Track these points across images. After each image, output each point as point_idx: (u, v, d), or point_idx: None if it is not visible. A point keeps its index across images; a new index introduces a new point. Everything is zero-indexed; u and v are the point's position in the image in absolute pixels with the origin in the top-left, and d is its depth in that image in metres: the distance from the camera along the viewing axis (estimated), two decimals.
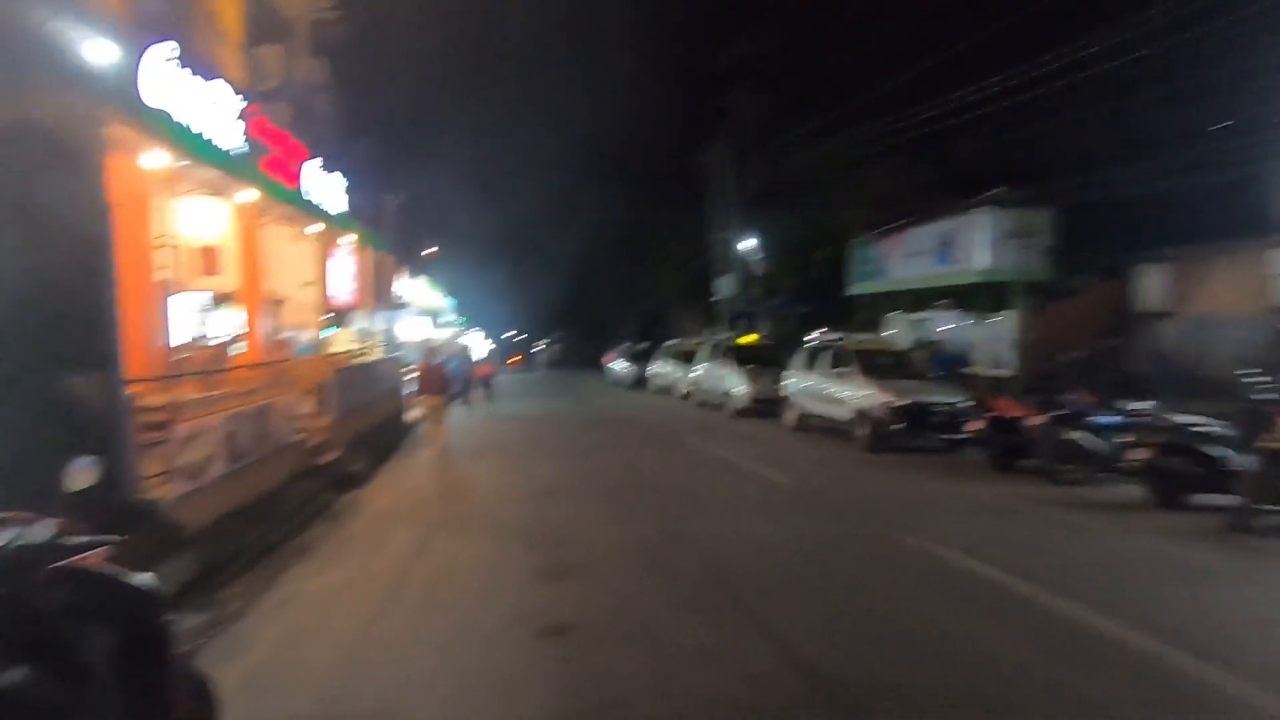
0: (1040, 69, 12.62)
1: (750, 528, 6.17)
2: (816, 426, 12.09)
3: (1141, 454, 6.85)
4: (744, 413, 14.44)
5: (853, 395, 10.78)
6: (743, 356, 15.76)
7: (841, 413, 11.11)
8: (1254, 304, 10.61)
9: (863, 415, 10.43)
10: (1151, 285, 12.96)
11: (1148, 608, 4.14)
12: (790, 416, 12.94)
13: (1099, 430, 7.84)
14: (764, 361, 15.23)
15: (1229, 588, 4.65)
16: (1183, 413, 7.17)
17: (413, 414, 13.21)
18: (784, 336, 19.99)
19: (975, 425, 8.89)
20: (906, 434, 9.92)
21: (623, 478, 8.54)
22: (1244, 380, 6.96)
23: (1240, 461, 6.27)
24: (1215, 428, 6.71)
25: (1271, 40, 10.23)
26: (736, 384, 14.94)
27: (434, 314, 27.64)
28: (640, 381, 22.96)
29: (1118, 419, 7.86)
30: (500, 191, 44.18)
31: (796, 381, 12.78)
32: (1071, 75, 12.44)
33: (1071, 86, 12.85)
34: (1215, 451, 6.47)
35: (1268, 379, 6.78)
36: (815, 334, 13.24)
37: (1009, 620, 4.01)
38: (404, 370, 14.16)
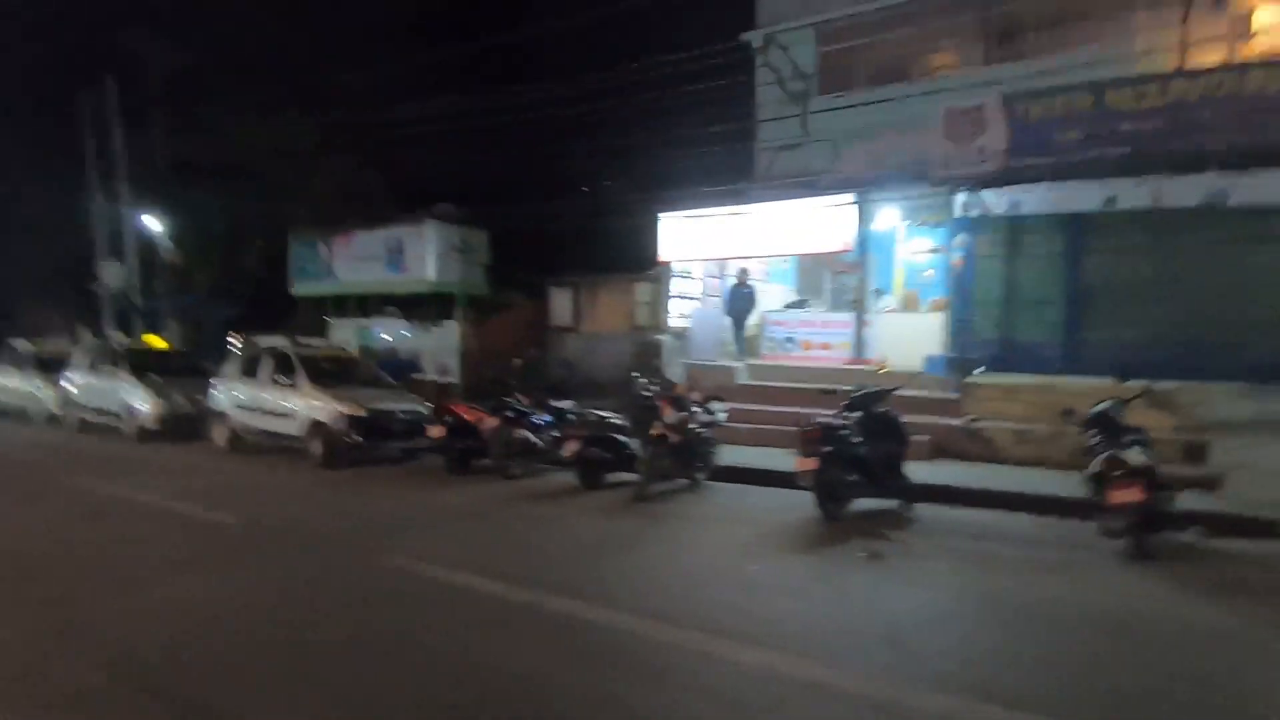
0: (487, 103, 13.99)
1: (187, 590, 4.71)
2: (258, 445, 10.44)
3: (571, 446, 8.02)
4: (150, 435, 11.45)
5: (302, 407, 9.69)
6: (143, 365, 12.50)
7: (290, 427, 9.85)
8: (627, 323, 14.02)
9: (316, 429, 9.47)
10: (560, 304, 15.74)
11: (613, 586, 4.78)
12: (221, 435, 10.84)
13: (538, 429, 8.94)
14: (174, 370, 12.48)
15: (642, 549, 5.77)
16: (596, 409, 8.79)
17: None
18: (199, 341, 16.83)
19: (436, 431, 9.06)
20: (366, 446, 9.44)
21: None
22: (634, 382, 8.95)
23: (637, 447, 8.03)
24: (619, 420, 8.42)
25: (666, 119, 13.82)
26: (139, 399, 11.73)
27: None
28: None
29: (549, 418, 9.12)
30: None
31: (230, 393, 10.79)
32: (516, 115, 14.18)
33: (512, 125, 14.65)
34: (623, 439, 8.10)
35: (649, 381, 8.89)
36: (242, 337, 11.51)
37: (516, 629, 4.03)
38: None
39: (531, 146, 16.60)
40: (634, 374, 9.60)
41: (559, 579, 4.84)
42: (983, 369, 9.47)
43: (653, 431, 7.44)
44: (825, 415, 6.82)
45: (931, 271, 12.27)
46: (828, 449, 6.28)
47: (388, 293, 16.08)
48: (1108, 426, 5.76)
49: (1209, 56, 9.60)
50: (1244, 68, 8.40)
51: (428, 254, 15.15)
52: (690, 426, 7.68)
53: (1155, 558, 5.18)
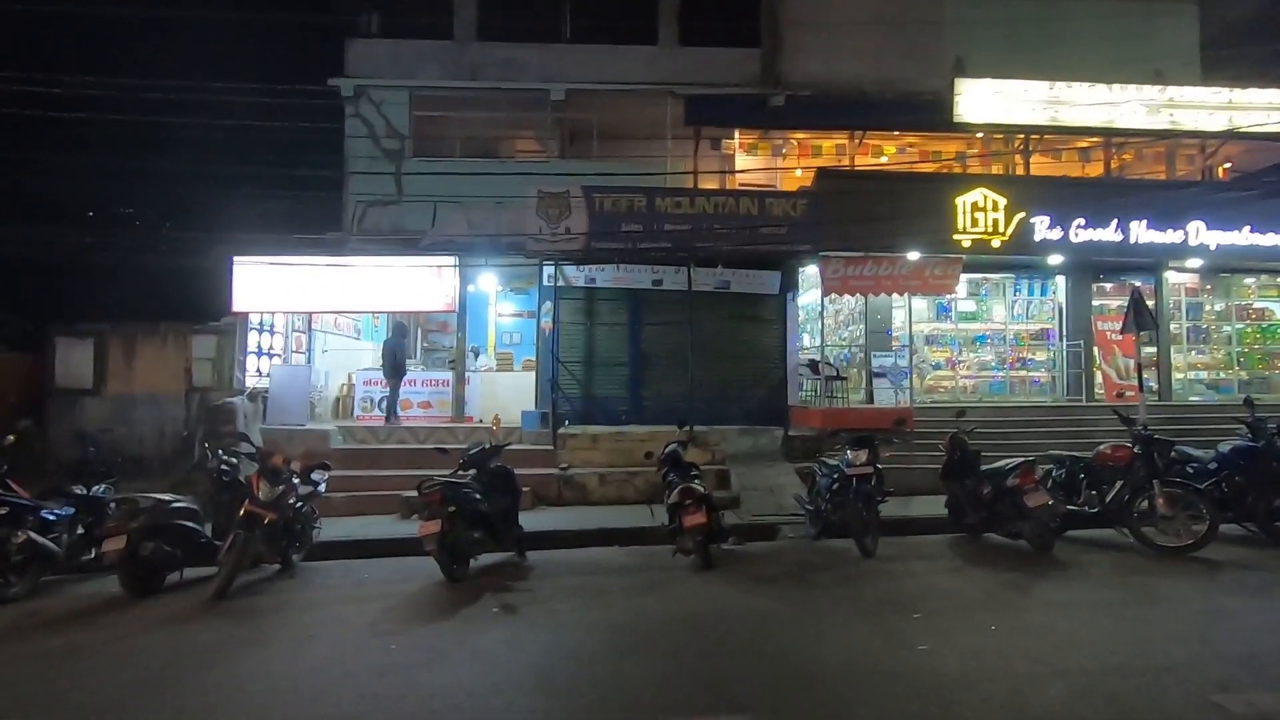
0: None
1: None
2: None
3: (114, 544, 6.21)
4: None
5: None
6: None
7: None
8: (180, 383, 11.54)
9: None
10: (74, 359, 12.12)
11: None
12: None
13: (50, 526, 6.68)
14: None
15: (241, 659, 4.81)
16: (150, 493, 7.02)
17: None
18: None
19: None
20: None
21: None
22: (208, 454, 7.47)
23: (211, 534, 6.66)
24: (185, 503, 6.86)
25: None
26: None
27: None
28: None
29: (70, 509, 6.94)
30: None
31: None
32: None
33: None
34: (193, 526, 6.62)
35: (228, 452, 7.52)
36: None
37: None
38: None
39: (36, 158, 12.70)
40: (205, 444, 7.99)
41: None
42: (569, 422, 10.64)
43: (242, 512, 6.29)
44: (443, 475, 6.78)
45: (519, 334, 13.37)
46: (451, 509, 6.24)
47: None
48: (677, 464, 7.10)
49: (713, 183, 12.93)
50: (736, 194, 11.53)
51: None
52: (289, 502, 6.74)
53: (715, 566, 6.52)
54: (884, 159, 14.23)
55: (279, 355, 11.86)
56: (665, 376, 11.28)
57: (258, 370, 11.56)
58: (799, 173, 13.63)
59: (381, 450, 10.33)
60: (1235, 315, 12.75)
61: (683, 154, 13.07)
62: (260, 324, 11.71)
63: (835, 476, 7.13)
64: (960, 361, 12.55)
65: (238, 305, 11.03)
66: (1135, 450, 6.89)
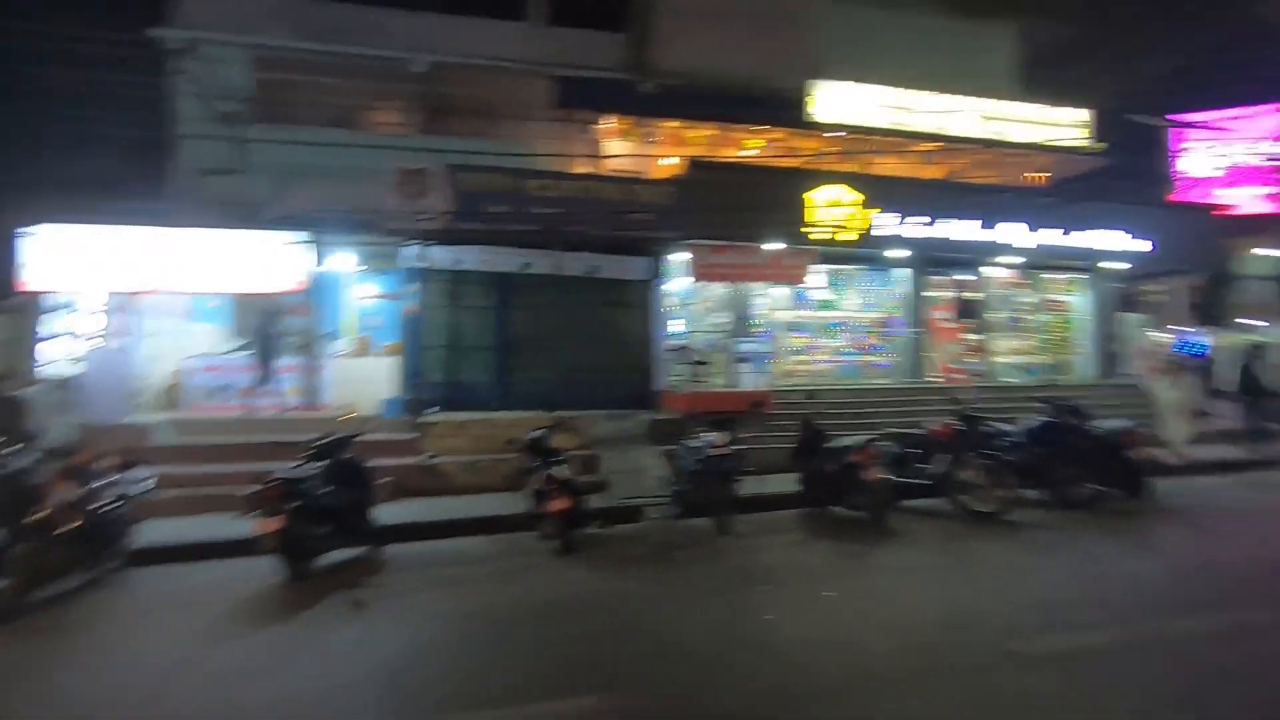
0: None
1: None
2: None
3: None
4: None
5: None
6: None
7: None
8: None
9: None
10: None
11: None
12: None
13: None
14: None
15: (36, 685, 4.25)
16: None
17: None
18: None
19: None
20: None
21: None
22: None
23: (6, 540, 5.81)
24: None
25: None
26: None
27: None
28: None
29: None
30: None
31: None
32: None
33: None
34: None
35: (18, 449, 6.58)
36: None
37: None
38: None
39: None
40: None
41: None
42: (436, 409, 10.26)
43: (30, 519, 5.52)
44: (286, 468, 6.32)
45: (381, 318, 12.68)
46: (294, 504, 5.83)
47: None
48: (540, 450, 7.04)
49: (585, 168, 12.84)
50: (606, 179, 11.52)
51: None
52: (99, 504, 6.00)
53: (578, 551, 6.55)
54: (754, 152, 14.77)
55: (95, 339, 10.50)
56: (534, 362, 11.14)
57: (68, 356, 10.18)
58: (671, 161, 13.85)
59: (221, 444, 9.46)
60: (1045, 307, 14.45)
61: (553, 136, 12.88)
62: (68, 303, 10.31)
63: (695, 458, 7.36)
64: (816, 347, 13.34)
65: (31, 282, 9.61)
66: (958, 427, 7.64)
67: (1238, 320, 16.67)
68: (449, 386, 10.84)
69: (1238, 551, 6.25)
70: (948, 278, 13.55)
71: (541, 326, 11.18)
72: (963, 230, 12.63)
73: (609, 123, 13.70)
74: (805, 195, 11.74)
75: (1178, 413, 10.72)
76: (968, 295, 9.87)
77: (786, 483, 8.54)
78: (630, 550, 6.78)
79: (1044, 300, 14.42)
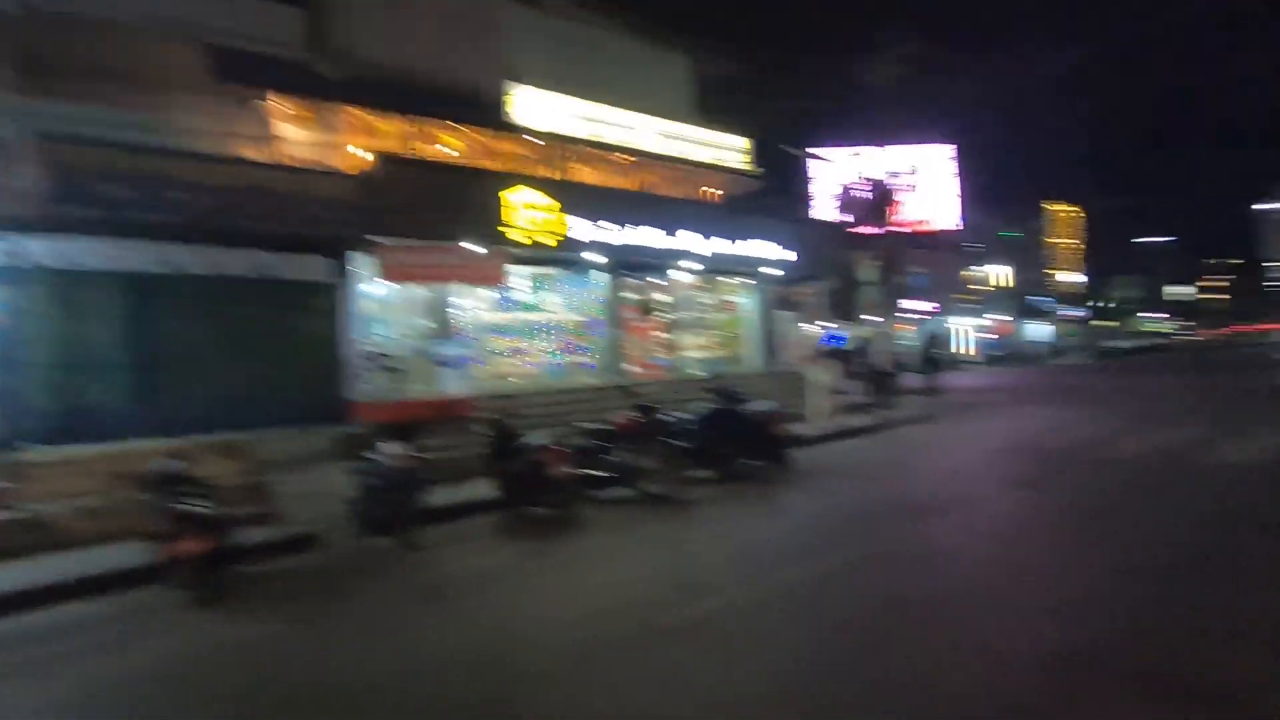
0: None
1: None
2: None
3: None
4: None
5: None
6: None
7: None
8: None
9: None
10: None
11: None
12: None
13: None
14: None
15: None
16: None
17: None
18: None
19: None
20: None
21: None
22: None
23: None
24: None
25: None
26: None
27: None
28: None
29: None
30: None
31: None
32: None
33: None
34: None
35: None
36: None
37: None
38: None
39: None
40: None
41: None
42: (35, 445, 8.13)
43: None
44: None
45: None
46: None
47: None
48: (172, 482, 5.91)
49: (250, 150, 11.23)
50: (274, 168, 10.21)
51: None
52: None
53: (224, 595, 5.61)
54: (453, 153, 14.33)
55: None
56: (190, 378, 9.44)
57: None
58: (365, 155, 12.81)
59: None
60: (721, 307, 16.37)
61: (208, 113, 11.05)
62: None
63: (375, 471, 6.83)
64: (524, 350, 13.41)
65: None
66: (638, 419, 8.19)
67: (862, 317, 20.73)
68: (65, 415, 8.71)
69: (848, 502, 7.63)
70: (641, 281, 14.60)
71: (199, 336, 9.55)
72: (651, 237, 13.71)
73: (281, 104, 12.21)
74: (502, 195, 11.71)
75: (823, 392, 12.92)
76: (640, 298, 10.83)
77: (486, 488, 8.37)
78: (291, 586, 6.02)
79: (721, 301, 16.32)
